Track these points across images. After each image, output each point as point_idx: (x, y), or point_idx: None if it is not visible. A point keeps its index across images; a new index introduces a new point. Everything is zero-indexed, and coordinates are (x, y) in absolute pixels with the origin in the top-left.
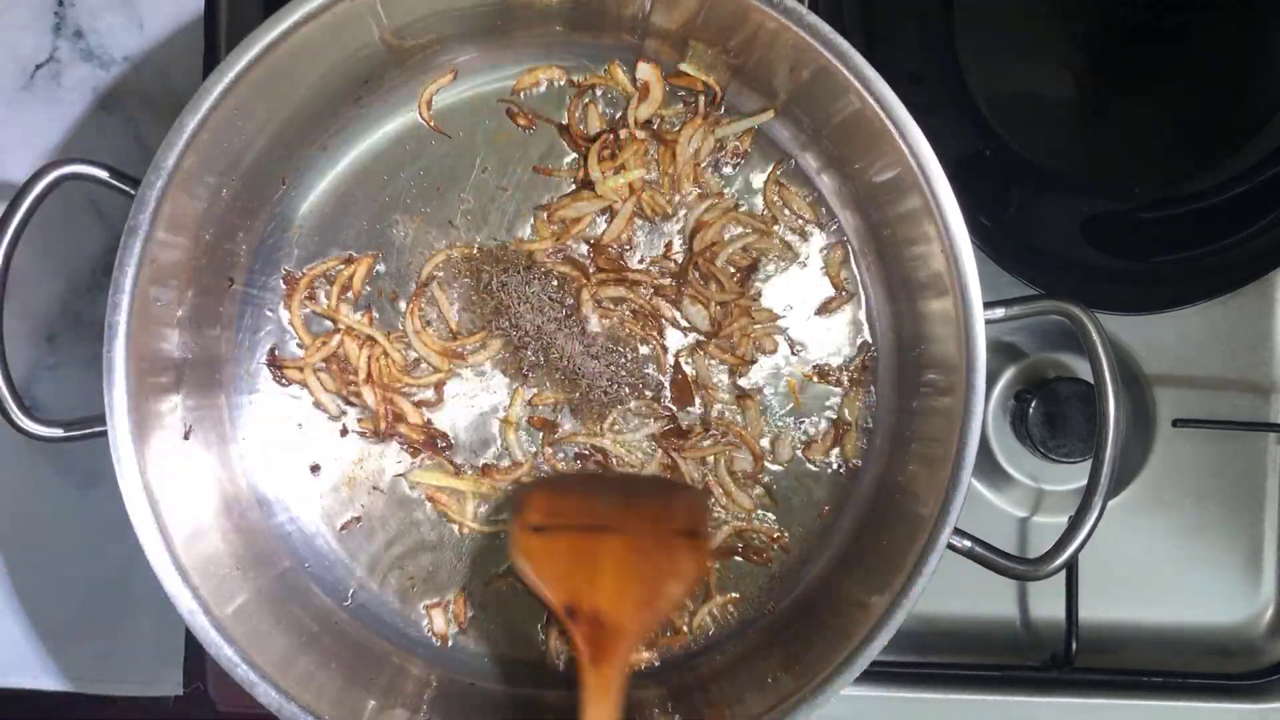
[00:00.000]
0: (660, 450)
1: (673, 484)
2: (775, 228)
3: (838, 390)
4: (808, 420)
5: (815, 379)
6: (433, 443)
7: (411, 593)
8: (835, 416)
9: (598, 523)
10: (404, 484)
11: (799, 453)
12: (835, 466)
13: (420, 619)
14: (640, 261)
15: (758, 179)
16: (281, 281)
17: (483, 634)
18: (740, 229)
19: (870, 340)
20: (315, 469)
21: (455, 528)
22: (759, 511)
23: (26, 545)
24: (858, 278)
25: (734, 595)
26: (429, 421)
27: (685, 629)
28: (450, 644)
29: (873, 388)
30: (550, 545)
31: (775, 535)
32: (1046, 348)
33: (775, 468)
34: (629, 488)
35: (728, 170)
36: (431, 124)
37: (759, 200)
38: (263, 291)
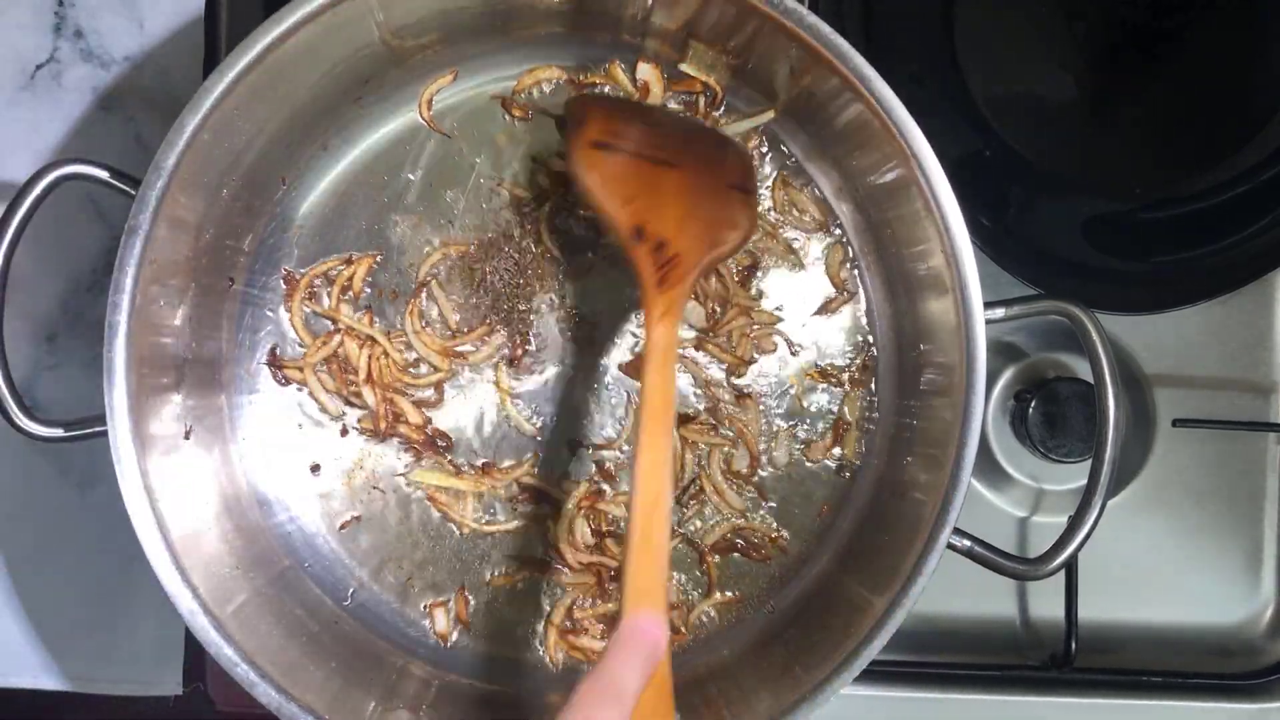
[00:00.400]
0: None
1: (723, 135)
2: (781, 229)
3: (838, 390)
4: (808, 420)
5: (815, 379)
6: (433, 443)
7: (412, 592)
8: (835, 416)
9: (659, 154)
10: (404, 484)
11: (798, 452)
12: (835, 466)
13: (421, 619)
14: None
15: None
16: (281, 281)
17: (483, 634)
18: None
19: (870, 340)
20: (315, 469)
21: (455, 528)
22: (760, 512)
23: (26, 545)
24: (858, 278)
25: (733, 595)
26: (429, 421)
27: (684, 628)
28: (451, 643)
29: (873, 387)
30: (615, 164)
31: (774, 535)
32: (1046, 348)
33: (773, 468)
34: (685, 127)
35: None
36: (431, 124)
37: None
38: (263, 291)
